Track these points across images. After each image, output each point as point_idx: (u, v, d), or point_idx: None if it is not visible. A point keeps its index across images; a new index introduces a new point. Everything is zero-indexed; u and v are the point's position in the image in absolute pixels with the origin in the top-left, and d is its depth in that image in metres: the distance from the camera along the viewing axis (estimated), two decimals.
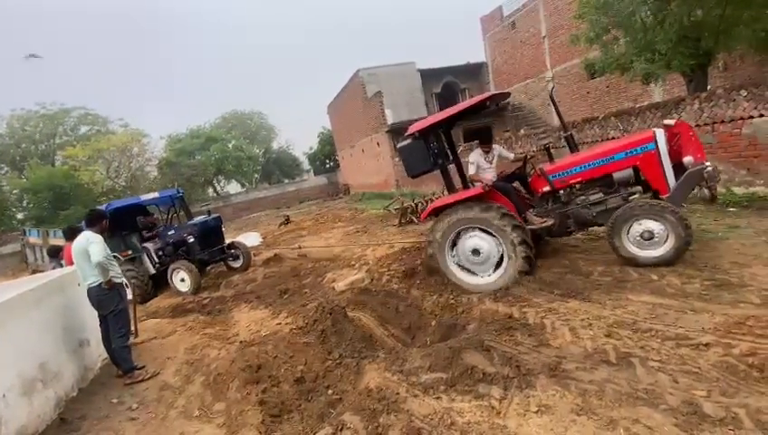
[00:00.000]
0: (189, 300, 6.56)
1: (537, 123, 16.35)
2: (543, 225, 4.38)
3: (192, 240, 7.50)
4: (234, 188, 36.34)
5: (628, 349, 2.63)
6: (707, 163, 3.78)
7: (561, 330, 3.07)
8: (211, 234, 7.87)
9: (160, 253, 7.89)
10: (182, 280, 7.09)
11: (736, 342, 2.45)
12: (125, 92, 70.83)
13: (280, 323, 4.64)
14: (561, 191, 4.48)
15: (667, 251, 3.71)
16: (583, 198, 4.36)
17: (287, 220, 15.78)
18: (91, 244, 3.78)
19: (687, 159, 3.85)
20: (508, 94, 5.05)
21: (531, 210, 4.61)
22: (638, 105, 8.24)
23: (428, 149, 4.59)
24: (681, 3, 6.17)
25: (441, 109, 21.17)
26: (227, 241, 8.44)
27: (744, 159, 5.54)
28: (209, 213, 8.40)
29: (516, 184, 4.99)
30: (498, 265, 4.28)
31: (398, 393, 2.68)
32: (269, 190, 31.98)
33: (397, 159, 17.92)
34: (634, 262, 3.88)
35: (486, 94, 4.54)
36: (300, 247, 9.21)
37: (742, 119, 5.50)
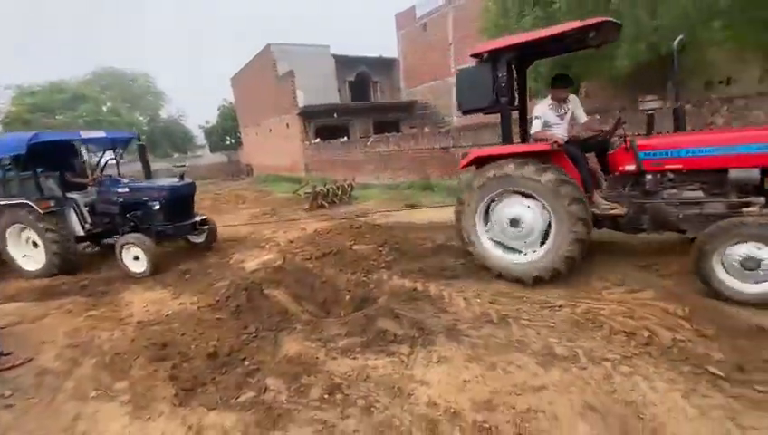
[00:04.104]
0: (62, 281, 5.68)
1: (441, 123, 17.74)
2: (611, 212, 3.61)
3: (157, 208, 5.88)
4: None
5: (507, 312, 3.29)
6: None
7: (457, 300, 3.64)
8: (181, 203, 6.18)
9: (95, 209, 6.22)
10: (136, 258, 5.65)
11: (579, 303, 3.28)
12: None
13: (184, 304, 4.41)
14: (649, 176, 3.55)
15: None
16: (674, 191, 3.47)
17: None
18: None
19: None
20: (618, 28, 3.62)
21: (599, 191, 3.84)
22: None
23: (494, 81, 3.61)
24: None
25: (354, 98, 21.53)
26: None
27: None
28: (182, 177, 6.33)
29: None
30: (542, 243, 3.67)
31: (317, 357, 2.90)
32: (154, 164, 28.39)
33: (308, 143, 17.65)
34: (723, 296, 2.98)
35: (596, 19, 3.27)
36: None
37: None
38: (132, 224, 6.07)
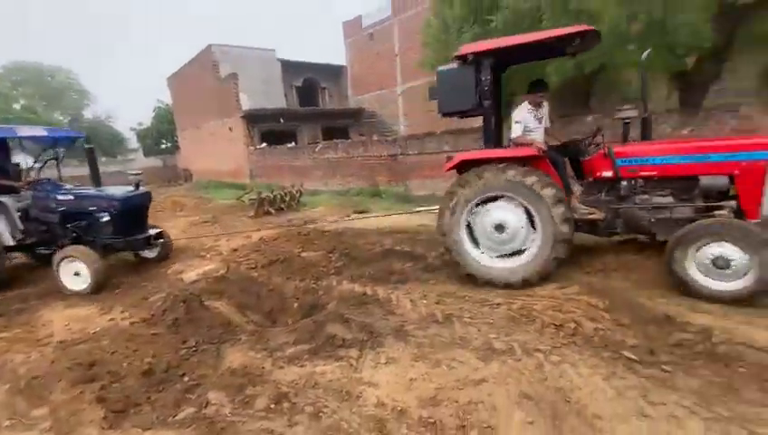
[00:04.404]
0: None
1: (387, 132, 18.08)
2: (590, 217, 3.77)
3: (106, 219, 5.29)
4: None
5: (451, 311, 3.44)
6: None
7: (404, 302, 3.74)
8: (134, 215, 5.54)
9: (29, 216, 5.50)
10: (76, 274, 5.00)
11: (515, 300, 3.52)
12: None
13: (114, 319, 4.08)
14: (624, 182, 3.72)
15: (746, 285, 3.02)
16: (646, 197, 3.67)
17: None
18: None
19: None
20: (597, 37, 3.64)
21: (575, 196, 3.98)
22: (468, 126, 10.12)
23: (477, 83, 3.63)
24: None
25: (302, 103, 21.23)
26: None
27: None
28: (138, 185, 5.64)
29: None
30: (518, 253, 3.75)
31: (263, 368, 2.83)
32: (78, 169, 25.82)
33: (252, 147, 17.10)
34: (698, 293, 3.16)
35: (583, 27, 3.40)
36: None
37: None
38: (75, 235, 5.41)
